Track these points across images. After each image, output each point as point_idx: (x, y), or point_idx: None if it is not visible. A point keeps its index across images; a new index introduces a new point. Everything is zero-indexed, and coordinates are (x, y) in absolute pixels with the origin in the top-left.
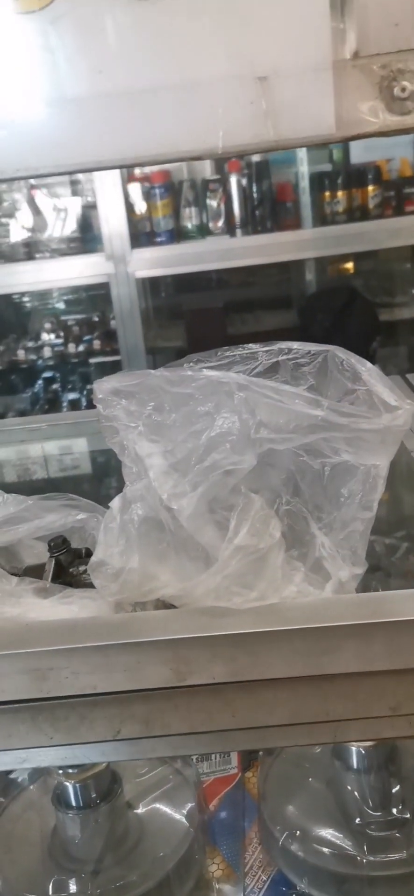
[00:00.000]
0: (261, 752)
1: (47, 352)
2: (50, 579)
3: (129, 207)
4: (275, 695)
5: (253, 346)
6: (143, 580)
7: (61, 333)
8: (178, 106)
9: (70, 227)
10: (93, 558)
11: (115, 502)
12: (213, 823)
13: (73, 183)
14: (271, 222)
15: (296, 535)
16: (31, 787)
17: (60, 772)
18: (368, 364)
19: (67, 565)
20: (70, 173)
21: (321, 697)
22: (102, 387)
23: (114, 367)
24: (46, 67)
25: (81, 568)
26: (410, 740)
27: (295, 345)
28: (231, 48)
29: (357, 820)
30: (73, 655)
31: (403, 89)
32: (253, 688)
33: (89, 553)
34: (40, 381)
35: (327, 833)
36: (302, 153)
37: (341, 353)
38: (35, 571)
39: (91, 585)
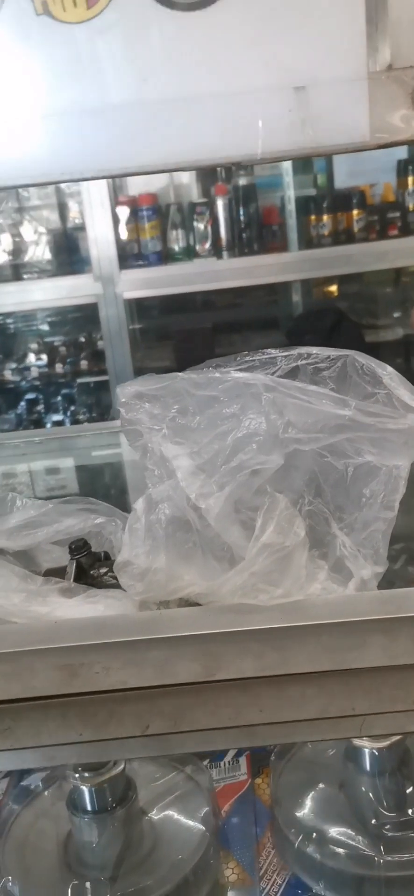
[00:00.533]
0: (272, 757)
1: (34, 372)
2: (72, 581)
3: (117, 229)
4: (302, 690)
5: (272, 352)
6: (169, 579)
7: (43, 356)
8: (220, 113)
9: (57, 248)
10: (118, 559)
11: (140, 504)
12: (225, 829)
13: (61, 206)
14: (258, 245)
15: (317, 535)
16: (45, 793)
17: (77, 776)
18: (389, 368)
19: (88, 567)
20: (113, 177)
21: (347, 692)
22: (126, 390)
23: (100, 388)
24: (93, 75)
25: (102, 570)
26: None
27: (314, 350)
28: (271, 59)
29: (373, 821)
30: (105, 651)
31: None
32: (280, 683)
33: (108, 556)
34: (23, 403)
35: (342, 835)
36: (288, 178)
37: (361, 357)
38: (55, 574)
39: (113, 587)
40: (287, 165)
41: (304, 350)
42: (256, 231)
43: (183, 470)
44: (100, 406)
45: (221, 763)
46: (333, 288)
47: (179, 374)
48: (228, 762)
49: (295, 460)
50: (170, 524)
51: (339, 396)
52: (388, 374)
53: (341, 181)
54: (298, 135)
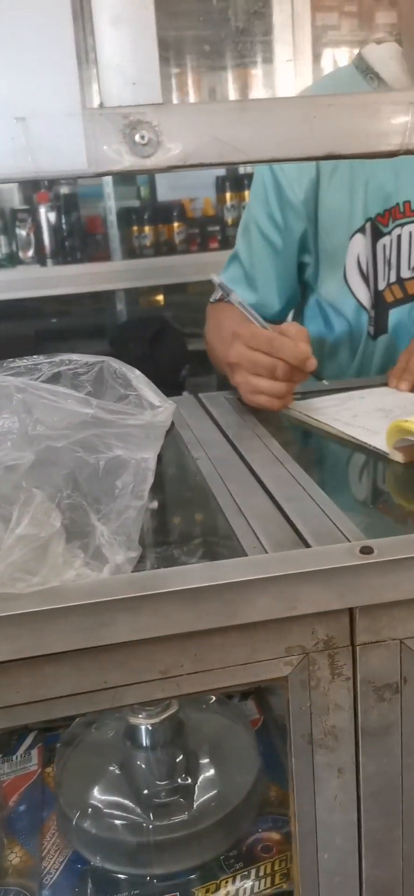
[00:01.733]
0: (58, 745)
1: None
2: None
3: None
4: (57, 669)
5: (38, 358)
6: None
7: None
8: None
9: None
10: None
11: None
12: (12, 818)
13: None
14: (81, 253)
15: (78, 526)
16: None
17: None
18: (137, 371)
19: None
20: None
21: (99, 668)
22: None
23: None
24: None
25: None
26: (195, 714)
27: (74, 356)
28: None
29: (145, 791)
30: None
31: (143, 137)
32: (36, 664)
33: None
34: None
35: (116, 808)
36: (109, 189)
37: (115, 363)
38: None
39: None
40: (108, 178)
41: (65, 356)
42: (80, 240)
43: None
44: None
45: (14, 757)
46: (159, 297)
47: None
48: (21, 755)
49: (52, 456)
50: None
51: (82, 396)
52: (136, 377)
53: (164, 194)
54: (22, 160)
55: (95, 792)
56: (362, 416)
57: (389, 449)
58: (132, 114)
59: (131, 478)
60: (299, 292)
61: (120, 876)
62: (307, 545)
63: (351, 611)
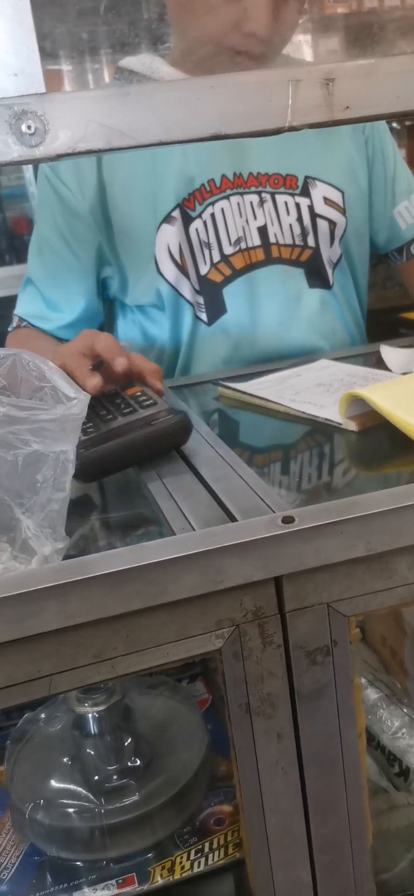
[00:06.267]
0: (8, 742)
1: None
2: None
3: None
4: None
5: None
6: None
7: None
8: None
9: None
10: None
11: None
12: None
13: None
14: (10, 255)
15: (3, 521)
16: None
17: None
18: (51, 363)
19: None
20: None
21: (31, 658)
22: None
23: None
24: None
25: None
26: (142, 699)
27: None
28: None
29: (96, 778)
30: None
31: (29, 127)
32: None
33: None
34: None
35: (68, 796)
36: (33, 188)
37: (27, 355)
38: None
39: None
40: (29, 176)
41: None
42: (7, 242)
43: None
44: None
45: None
46: None
47: None
48: None
49: None
50: None
51: None
52: (49, 368)
53: None
54: None
55: (47, 784)
56: (305, 392)
57: (342, 419)
58: (16, 104)
59: (51, 471)
60: (103, 311)
61: (77, 863)
62: (235, 520)
63: (277, 580)
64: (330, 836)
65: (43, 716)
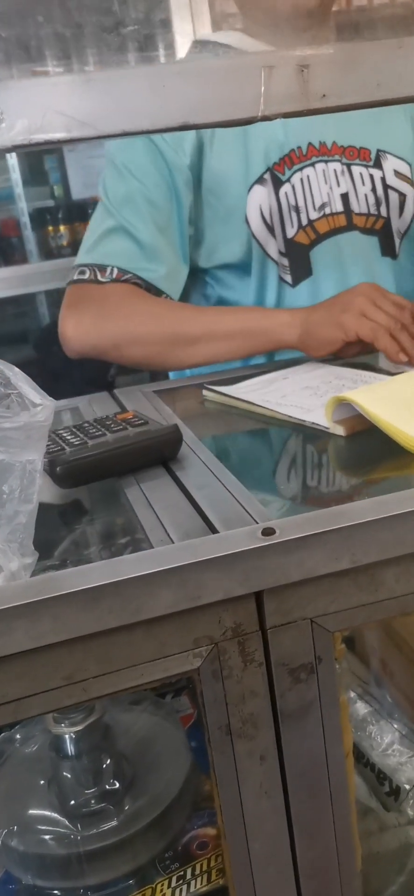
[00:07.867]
0: None
1: None
2: None
3: None
4: None
5: None
6: None
7: None
8: None
9: None
10: None
11: None
12: None
13: None
14: None
15: None
16: None
17: None
18: (16, 369)
19: None
20: None
21: None
22: None
23: None
24: None
25: None
26: (123, 716)
27: None
28: None
29: (72, 802)
30: None
31: None
32: None
33: None
34: None
35: (44, 822)
36: (19, 190)
37: None
38: None
39: None
40: (16, 177)
41: None
42: None
43: None
44: None
45: None
46: None
47: None
48: None
49: None
50: None
51: None
52: (14, 374)
53: (78, 192)
54: None
55: (22, 808)
56: (291, 395)
57: (329, 423)
58: None
59: (18, 482)
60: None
61: (53, 892)
62: (215, 532)
63: (258, 595)
64: (317, 861)
65: (18, 736)
